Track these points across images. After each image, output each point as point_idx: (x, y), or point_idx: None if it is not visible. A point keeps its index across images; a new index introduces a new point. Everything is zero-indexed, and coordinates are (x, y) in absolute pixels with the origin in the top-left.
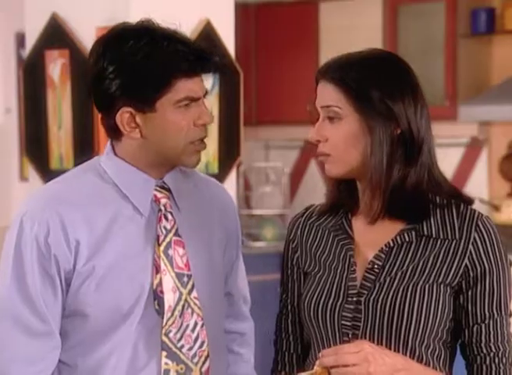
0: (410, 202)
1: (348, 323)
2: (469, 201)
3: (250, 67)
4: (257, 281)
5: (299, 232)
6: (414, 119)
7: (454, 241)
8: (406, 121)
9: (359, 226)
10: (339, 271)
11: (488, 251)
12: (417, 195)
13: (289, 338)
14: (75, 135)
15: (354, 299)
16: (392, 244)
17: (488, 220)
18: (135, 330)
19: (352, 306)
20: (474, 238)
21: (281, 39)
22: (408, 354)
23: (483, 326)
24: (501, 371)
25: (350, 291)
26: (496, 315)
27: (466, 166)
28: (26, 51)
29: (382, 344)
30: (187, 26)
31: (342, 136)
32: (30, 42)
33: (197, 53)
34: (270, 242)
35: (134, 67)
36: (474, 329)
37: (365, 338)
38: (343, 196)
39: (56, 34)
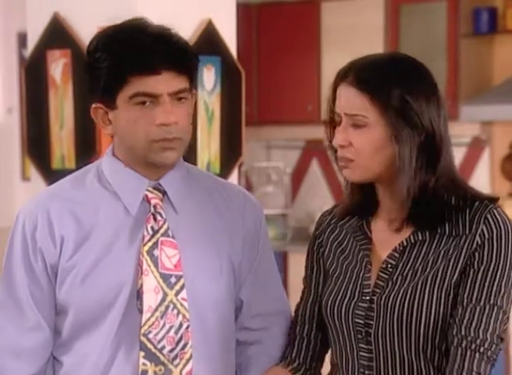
0: (429, 208)
1: (361, 322)
2: (491, 200)
3: (251, 67)
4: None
5: (326, 229)
6: (437, 123)
7: (464, 236)
8: (430, 125)
9: (378, 226)
10: (356, 271)
11: (493, 239)
12: (435, 200)
13: (304, 326)
14: (77, 135)
15: (368, 298)
16: (405, 244)
17: (499, 212)
18: (116, 329)
19: (365, 305)
20: (482, 230)
21: (283, 39)
22: (420, 350)
23: (468, 309)
24: (475, 360)
25: (365, 290)
26: (484, 302)
27: (468, 166)
28: (28, 51)
29: (393, 342)
30: (189, 26)
31: (367, 143)
32: (32, 42)
33: (154, 50)
34: (272, 242)
35: (98, 65)
36: (459, 311)
37: (377, 336)
38: (363, 198)
39: (58, 34)
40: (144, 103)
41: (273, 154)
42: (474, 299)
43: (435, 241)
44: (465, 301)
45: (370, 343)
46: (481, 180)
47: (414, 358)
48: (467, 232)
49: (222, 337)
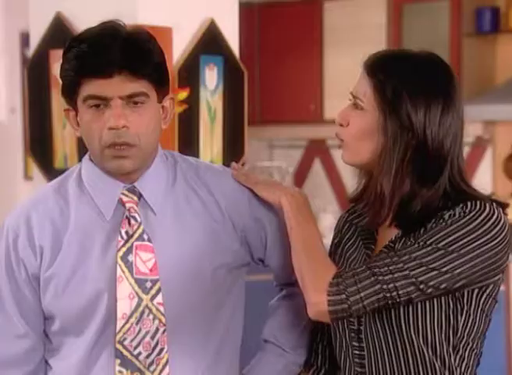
0: (416, 218)
1: (353, 319)
2: (502, 205)
3: (254, 66)
4: (260, 281)
5: (341, 227)
6: (433, 131)
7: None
8: (423, 131)
9: (382, 231)
10: None
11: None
12: (424, 213)
13: (322, 329)
14: None
15: None
16: (393, 239)
17: (471, 207)
18: (98, 336)
19: None
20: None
21: (285, 38)
22: (417, 357)
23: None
24: None
25: None
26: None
27: (470, 166)
28: (31, 50)
29: (380, 338)
30: (191, 25)
31: (359, 125)
32: (35, 42)
33: (104, 53)
34: None
35: (61, 68)
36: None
37: (367, 333)
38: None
39: (61, 34)
40: (97, 106)
41: (275, 153)
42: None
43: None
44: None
45: (361, 340)
46: (484, 180)
47: (411, 359)
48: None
49: (203, 338)
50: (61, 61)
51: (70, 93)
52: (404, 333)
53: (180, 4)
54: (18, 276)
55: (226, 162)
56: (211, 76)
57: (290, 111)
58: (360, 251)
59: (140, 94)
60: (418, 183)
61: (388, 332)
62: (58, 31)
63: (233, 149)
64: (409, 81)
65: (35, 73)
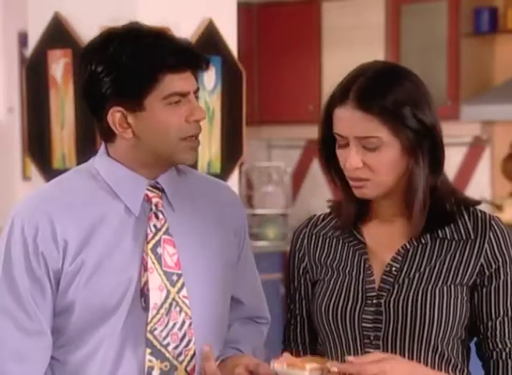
0: (430, 212)
1: (369, 325)
2: (477, 203)
3: (252, 66)
4: (260, 280)
5: (305, 242)
6: (438, 126)
7: (470, 241)
8: (435, 131)
9: (370, 231)
10: (354, 274)
11: (503, 250)
12: (437, 204)
13: (298, 348)
14: (77, 135)
15: (374, 301)
16: (408, 247)
17: (500, 220)
18: (122, 326)
19: (372, 308)
20: (490, 237)
21: (283, 38)
22: (431, 352)
23: (498, 322)
24: None
25: (369, 294)
26: (510, 312)
27: (469, 166)
28: (29, 50)
29: (404, 343)
30: (190, 26)
31: (384, 162)
32: (33, 42)
33: (183, 48)
34: (272, 241)
35: (121, 66)
36: (489, 325)
37: (387, 338)
38: (356, 205)
39: (59, 34)
40: (177, 102)
41: (274, 154)
42: (501, 311)
43: (437, 245)
44: (493, 315)
45: (378, 346)
46: (482, 180)
47: (423, 359)
48: (472, 237)
49: (219, 333)
50: (60, 60)
51: (137, 92)
52: (425, 338)
53: (179, 4)
54: (37, 271)
55: (224, 163)
56: (209, 77)
57: (289, 111)
58: (348, 256)
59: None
60: (433, 176)
61: (411, 335)
62: (57, 31)
63: (232, 149)
64: (408, 98)
65: (33, 72)
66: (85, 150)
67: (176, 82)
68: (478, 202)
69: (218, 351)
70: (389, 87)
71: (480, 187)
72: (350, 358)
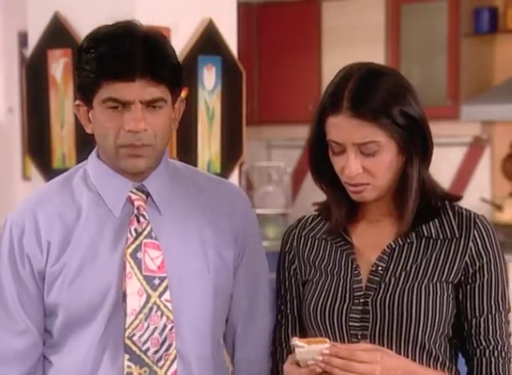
0: (418, 206)
1: (356, 324)
2: (458, 198)
3: (252, 66)
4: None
5: (295, 243)
6: (425, 116)
7: (454, 240)
8: (423, 123)
9: (356, 230)
10: (342, 275)
11: (487, 248)
12: (423, 198)
13: (289, 348)
14: (77, 134)
15: (361, 301)
16: (394, 246)
17: (485, 219)
18: (103, 331)
19: (359, 307)
20: (474, 236)
21: (283, 38)
22: (418, 349)
23: (482, 319)
24: (500, 365)
25: (356, 293)
26: (493, 309)
27: (468, 166)
28: (29, 50)
29: (391, 342)
30: (190, 26)
31: (382, 165)
32: (33, 41)
33: (127, 57)
34: (272, 241)
35: (79, 66)
36: (473, 322)
37: (374, 337)
38: (346, 209)
39: (59, 34)
40: (115, 108)
41: (274, 153)
42: (485, 310)
43: (423, 243)
44: (477, 312)
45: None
46: (482, 180)
47: (411, 356)
48: (457, 236)
49: (210, 334)
50: (60, 60)
51: (87, 92)
52: (412, 336)
53: (178, 4)
54: (22, 271)
55: (224, 162)
56: (209, 77)
57: (289, 111)
58: (336, 257)
59: (159, 99)
60: (422, 168)
61: (397, 333)
62: (57, 31)
63: (232, 149)
64: (395, 97)
65: (33, 72)
66: (85, 149)
67: (113, 89)
68: (459, 197)
69: (210, 351)
70: (375, 88)
71: (480, 187)
72: (341, 345)
